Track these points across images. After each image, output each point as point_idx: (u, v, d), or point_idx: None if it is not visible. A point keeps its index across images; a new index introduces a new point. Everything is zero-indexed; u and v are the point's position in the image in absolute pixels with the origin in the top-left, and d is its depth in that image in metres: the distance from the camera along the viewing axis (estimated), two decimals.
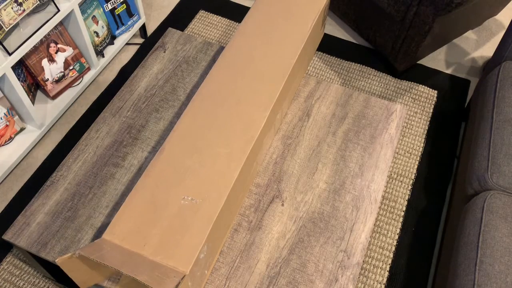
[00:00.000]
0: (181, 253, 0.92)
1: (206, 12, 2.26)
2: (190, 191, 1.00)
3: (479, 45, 2.17)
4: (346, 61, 2.08)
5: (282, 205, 1.18)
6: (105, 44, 1.95)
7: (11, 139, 1.68)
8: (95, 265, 1.00)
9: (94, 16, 1.83)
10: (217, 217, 0.97)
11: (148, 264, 0.91)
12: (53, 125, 1.83)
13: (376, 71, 2.04)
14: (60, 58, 1.76)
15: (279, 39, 1.27)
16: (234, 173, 1.03)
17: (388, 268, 1.52)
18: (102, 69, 1.97)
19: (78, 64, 1.84)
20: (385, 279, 1.49)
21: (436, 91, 1.98)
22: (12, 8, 1.43)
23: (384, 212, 1.63)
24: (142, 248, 0.93)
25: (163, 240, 0.94)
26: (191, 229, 0.95)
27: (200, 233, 0.94)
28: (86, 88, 1.95)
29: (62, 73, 1.79)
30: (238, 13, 2.26)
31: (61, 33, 1.74)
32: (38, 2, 1.52)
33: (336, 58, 2.08)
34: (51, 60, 1.73)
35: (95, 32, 1.86)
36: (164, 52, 1.49)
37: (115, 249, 0.93)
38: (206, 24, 2.21)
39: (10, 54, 1.46)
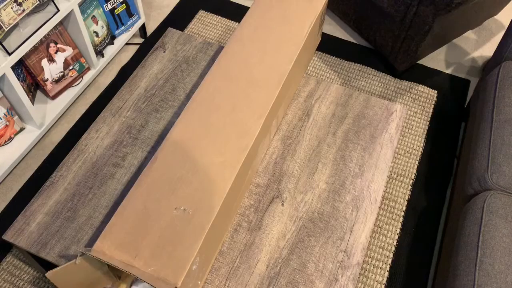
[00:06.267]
0: (173, 265, 0.89)
1: (206, 12, 2.26)
2: (182, 201, 0.98)
3: (479, 45, 2.17)
4: (346, 61, 2.07)
5: (282, 205, 1.18)
6: (105, 44, 1.95)
7: (10, 139, 1.68)
8: (87, 276, 0.98)
9: (93, 16, 1.83)
10: (209, 228, 0.95)
11: (140, 276, 0.89)
12: (52, 125, 1.83)
13: (376, 71, 2.04)
14: (60, 58, 1.76)
15: (275, 45, 1.25)
16: (228, 182, 1.00)
17: (388, 268, 1.52)
18: (102, 69, 1.97)
19: (78, 64, 1.84)
20: (385, 279, 1.49)
21: (436, 91, 1.98)
22: (11, 8, 1.43)
23: (384, 212, 1.63)
24: (133, 259, 0.91)
25: (154, 251, 0.91)
26: (183, 240, 0.93)
27: (192, 244, 0.92)
28: (86, 88, 1.94)
29: (62, 73, 1.79)
30: (237, 13, 2.26)
31: (61, 33, 1.74)
32: (38, 2, 1.52)
33: (336, 58, 2.08)
34: (51, 60, 1.73)
35: (94, 32, 1.86)
36: (164, 52, 1.48)
37: (106, 259, 0.91)
38: (206, 24, 2.21)
39: (9, 54, 1.46)
